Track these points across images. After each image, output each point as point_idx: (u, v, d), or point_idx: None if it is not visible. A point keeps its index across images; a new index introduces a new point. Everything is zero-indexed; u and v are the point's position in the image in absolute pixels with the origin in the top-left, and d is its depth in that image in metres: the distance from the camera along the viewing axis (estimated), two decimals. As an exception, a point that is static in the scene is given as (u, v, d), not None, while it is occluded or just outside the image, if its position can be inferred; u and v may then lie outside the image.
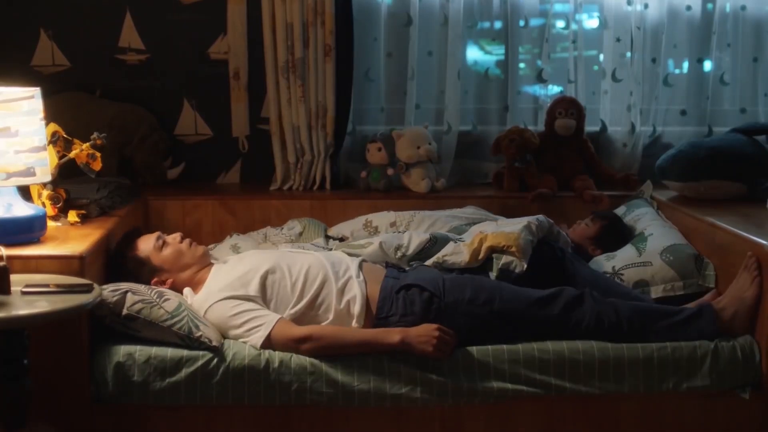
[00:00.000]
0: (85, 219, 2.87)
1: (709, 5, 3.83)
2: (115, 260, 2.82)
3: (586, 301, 2.70)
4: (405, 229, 3.22)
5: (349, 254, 2.95)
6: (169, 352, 2.54)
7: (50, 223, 2.74)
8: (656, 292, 3.02)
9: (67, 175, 2.97)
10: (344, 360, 2.56)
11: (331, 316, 2.68)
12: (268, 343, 2.57)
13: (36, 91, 2.57)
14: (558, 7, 3.83)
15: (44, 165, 2.59)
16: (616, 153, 3.87)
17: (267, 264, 2.75)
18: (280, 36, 3.54)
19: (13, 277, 2.33)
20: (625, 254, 3.17)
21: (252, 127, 3.78)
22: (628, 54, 3.79)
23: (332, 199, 3.58)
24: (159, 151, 3.68)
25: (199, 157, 3.79)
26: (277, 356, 2.56)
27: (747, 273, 2.71)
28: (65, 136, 2.83)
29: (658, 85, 3.85)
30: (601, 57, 3.89)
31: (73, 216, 2.84)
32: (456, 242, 2.99)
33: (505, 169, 3.71)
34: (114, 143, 3.43)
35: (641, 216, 3.39)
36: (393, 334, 2.57)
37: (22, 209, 2.60)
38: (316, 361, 2.55)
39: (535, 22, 3.84)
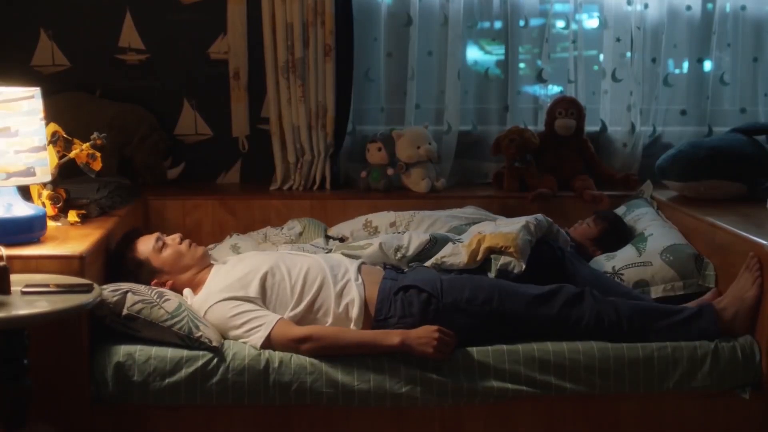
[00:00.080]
0: (85, 219, 2.87)
1: (709, 5, 3.83)
2: (114, 261, 2.81)
3: (586, 299, 2.70)
4: (405, 229, 3.22)
5: (349, 255, 2.95)
6: (169, 352, 2.54)
7: (50, 223, 2.74)
8: (656, 292, 3.01)
9: (67, 175, 2.97)
10: (344, 360, 2.57)
11: (329, 320, 2.68)
12: (268, 343, 2.57)
13: (36, 91, 2.57)
14: (558, 7, 3.83)
15: (44, 165, 2.59)
16: (616, 153, 3.87)
17: (267, 265, 2.75)
18: (280, 36, 3.54)
19: (13, 277, 2.32)
20: (625, 254, 3.17)
21: (252, 127, 3.78)
22: (628, 54, 3.79)
23: (332, 199, 3.58)
24: (159, 151, 3.68)
25: (199, 157, 3.79)
26: (277, 356, 2.56)
27: (748, 273, 2.71)
28: (65, 136, 2.82)
29: (658, 85, 3.85)
30: (601, 57, 3.89)
31: (73, 216, 2.84)
32: (454, 243, 2.98)
33: (505, 169, 3.71)
34: (114, 143, 3.43)
35: (641, 216, 3.39)
36: (393, 336, 2.57)
37: (22, 209, 2.60)
38: (316, 361, 2.55)
39: (535, 22, 3.84)
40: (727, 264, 2.90)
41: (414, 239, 3.00)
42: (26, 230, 2.58)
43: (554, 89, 3.90)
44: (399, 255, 2.96)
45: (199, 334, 2.55)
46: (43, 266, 2.49)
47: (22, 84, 2.57)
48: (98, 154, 2.88)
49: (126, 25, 3.69)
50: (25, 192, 2.74)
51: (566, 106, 3.74)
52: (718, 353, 2.64)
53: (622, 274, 3.06)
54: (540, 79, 3.86)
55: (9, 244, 2.46)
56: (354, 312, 2.67)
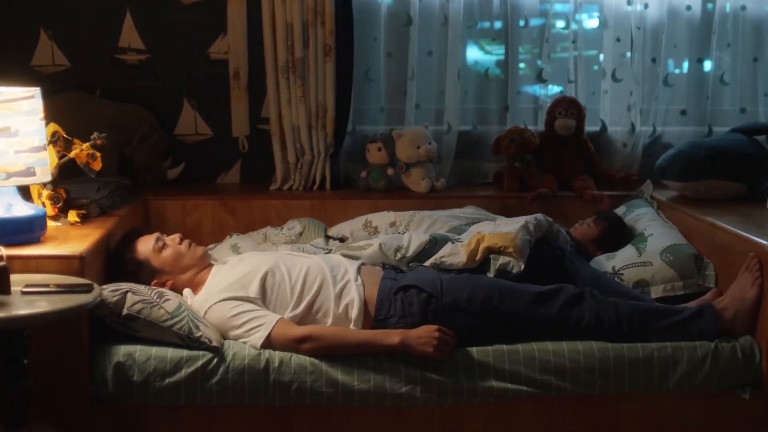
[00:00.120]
0: (85, 219, 2.87)
1: (709, 5, 3.83)
2: (114, 262, 2.81)
3: (586, 299, 2.70)
4: (405, 230, 3.22)
5: (349, 256, 2.95)
6: (169, 352, 2.54)
7: (50, 223, 2.74)
8: (656, 292, 3.02)
9: (67, 175, 2.97)
10: (344, 360, 2.57)
11: (329, 320, 2.68)
12: (268, 343, 2.57)
13: (36, 91, 2.57)
14: (558, 7, 3.83)
15: (44, 165, 2.59)
16: (616, 153, 3.87)
17: (267, 265, 2.75)
18: (280, 36, 3.54)
19: (13, 277, 2.32)
20: (625, 254, 3.17)
21: (252, 127, 3.78)
22: (628, 54, 3.79)
23: (332, 199, 3.58)
24: (159, 151, 3.68)
25: (199, 157, 3.79)
26: (277, 356, 2.56)
27: (748, 273, 2.71)
28: (65, 136, 2.82)
29: (658, 85, 3.85)
30: (601, 57, 3.89)
31: (73, 216, 2.84)
32: (454, 243, 2.98)
33: (505, 169, 3.71)
34: (114, 143, 3.43)
35: (641, 216, 3.39)
36: (393, 336, 2.57)
37: (22, 209, 2.60)
38: (316, 361, 2.55)
39: (535, 22, 3.84)
40: (727, 264, 2.90)
41: (414, 239, 3.00)
42: (26, 230, 2.58)
43: (554, 89, 3.90)
44: (399, 255, 2.96)
45: (199, 334, 2.55)
46: (43, 266, 2.49)
47: (22, 84, 2.57)
48: (98, 154, 2.88)
49: (126, 25, 3.69)
50: (25, 192, 2.74)
51: (566, 106, 3.74)
52: (718, 353, 2.64)
53: (622, 274, 3.06)
54: (540, 79, 3.86)
55: (9, 244, 2.46)
56: (353, 312, 2.67)
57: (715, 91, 3.90)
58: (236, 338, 2.62)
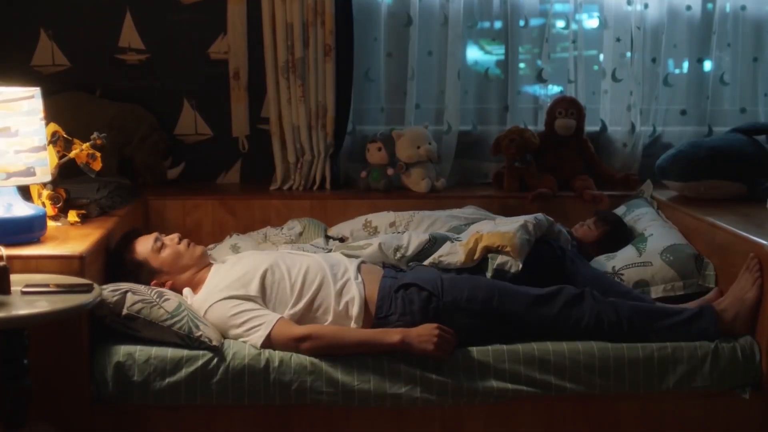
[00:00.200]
0: (85, 219, 2.87)
1: (709, 5, 3.83)
2: (113, 262, 2.81)
3: (586, 300, 2.70)
4: (404, 229, 3.22)
5: (348, 256, 2.95)
6: (169, 352, 2.54)
7: (50, 223, 2.74)
8: (656, 292, 3.01)
9: (67, 175, 2.97)
10: (344, 359, 2.57)
11: (329, 318, 2.68)
12: (269, 342, 2.57)
13: (36, 91, 2.57)
14: (558, 7, 3.83)
15: (44, 165, 2.59)
16: (616, 153, 3.87)
17: (266, 263, 2.75)
18: (280, 36, 3.54)
19: (13, 277, 2.32)
20: (625, 254, 3.17)
21: (252, 127, 3.78)
22: (628, 54, 3.79)
23: (332, 199, 3.58)
24: (159, 151, 3.68)
25: (199, 157, 3.79)
26: (277, 356, 2.56)
27: (749, 274, 2.71)
28: (65, 136, 2.82)
29: (658, 85, 3.85)
30: (601, 57, 3.89)
31: (73, 216, 2.84)
32: (452, 242, 2.98)
33: (505, 169, 3.71)
34: (114, 143, 3.43)
35: (641, 216, 3.39)
36: (393, 334, 2.57)
37: (22, 209, 2.60)
38: (316, 361, 2.55)
39: (535, 22, 3.84)
40: (727, 264, 2.90)
41: (413, 239, 3.00)
42: (26, 230, 2.58)
43: (554, 89, 3.90)
44: (398, 255, 2.96)
45: (199, 333, 2.55)
46: (43, 266, 2.49)
47: (22, 84, 2.57)
48: (98, 154, 2.88)
49: (126, 25, 3.69)
50: (25, 192, 2.74)
51: (566, 106, 3.74)
52: (718, 353, 2.64)
53: (622, 274, 3.06)
54: (540, 79, 3.86)
55: (9, 244, 2.46)
56: (354, 310, 2.67)
57: (715, 91, 3.90)
58: (236, 337, 2.62)
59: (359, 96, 3.78)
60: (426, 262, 2.93)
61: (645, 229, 3.29)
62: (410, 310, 2.67)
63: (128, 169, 3.64)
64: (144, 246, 2.82)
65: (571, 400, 2.64)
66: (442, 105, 3.81)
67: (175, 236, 2.88)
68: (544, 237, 3.02)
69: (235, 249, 3.18)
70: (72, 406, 2.53)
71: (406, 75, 3.76)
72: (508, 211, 3.39)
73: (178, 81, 3.74)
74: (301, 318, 2.67)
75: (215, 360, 2.53)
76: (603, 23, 3.84)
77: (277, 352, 2.57)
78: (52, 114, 2.82)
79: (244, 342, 2.59)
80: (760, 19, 3.88)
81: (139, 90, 3.72)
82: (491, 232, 2.93)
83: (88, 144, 2.86)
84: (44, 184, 2.78)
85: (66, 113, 3.24)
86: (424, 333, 2.55)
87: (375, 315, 2.69)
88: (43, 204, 2.79)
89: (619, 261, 3.13)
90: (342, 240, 3.30)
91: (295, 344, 2.57)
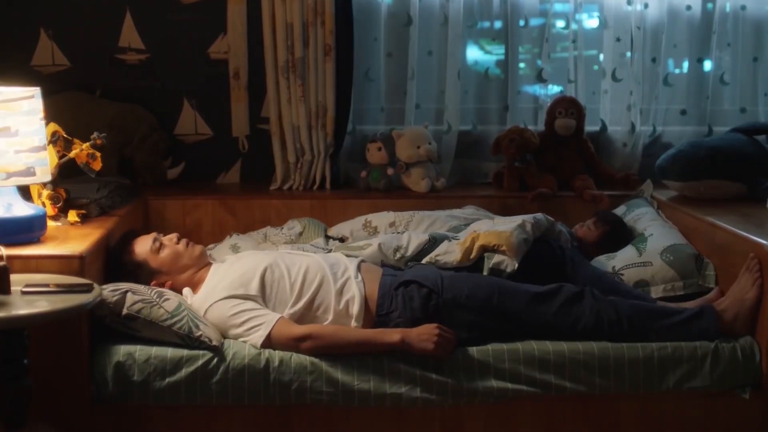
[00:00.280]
0: (85, 219, 2.87)
1: (709, 5, 3.83)
2: (113, 263, 2.81)
3: (586, 298, 2.70)
4: (404, 229, 3.22)
5: (348, 256, 2.95)
6: (169, 352, 2.54)
7: (50, 223, 2.74)
8: (656, 292, 3.01)
9: (67, 175, 2.97)
10: (344, 359, 2.57)
11: (330, 317, 2.68)
12: (269, 342, 2.57)
13: (36, 91, 2.57)
14: (558, 7, 3.83)
15: (44, 165, 2.59)
16: (616, 153, 3.87)
17: (266, 262, 2.75)
18: (280, 36, 3.54)
19: (13, 277, 2.33)
20: (625, 254, 3.17)
21: (252, 127, 3.78)
22: (628, 54, 3.79)
23: (332, 199, 3.58)
24: (159, 151, 3.68)
25: (199, 157, 3.79)
26: (277, 355, 2.56)
27: (749, 274, 2.71)
28: (65, 136, 2.83)
29: (658, 84, 3.85)
30: (601, 57, 3.89)
31: (73, 216, 2.84)
32: (450, 241, 2.98)
33: (505, 168, 3.71)
34: (114, 143, 3.43)
35: (641, 216, 3.39)
36: (393, 334, 2.57)
37: (22, 209, 2.60)
38: (316, 361, 2.55)
39: (535, 21, 3.84)
40: (727, 264, 2.90)
41: (413, 239, 3.00)
42: (26, 230, 2.58)
43: (554, 89, 3.90)
44: (398, 255, 2.96)
45: (199, 333, 2.55)
46: (43, 266, 2.49)
47: (22, 84, 2.57)
48: (98, 154, 2.88)
49: (126, 25, 3.69)
50: (25, 192, 2.74)
51: (566, 105, 3.74)
52: (718, 353, 2.64)
53: (622, 274, 3.06)
54: (540, 78, 3.86)
55: (9, 244, 2.46)
56: (354, 309, 2.68)
57: (715, 90, 3.90)
58: (236, 337, 2.62)
59: (359, 96, 3.78)
60: (423, 261, 2.93)
61: (645, 229, 3.29)
62: (411, 307, 2.67)
63: (128, 169, 3.64)
64: (142, 247, 2.82)
65: (571, 400, 2.64)
66: (442, 105, 3.81)
67: (173, 236, 2.88)
68: (544, 237, 3.02)
69: (235, 249, 3.18)
70: (72, 406, 2.53)
71: (406, 75, 3.76)
72: (508, 211, 3.39)
73: (178, 81, 3.74)
74: (301, 317, 2.67)
75: (215, 360, 2.53)
76: (603, 23, 3.84)
77: (277, 351, 2.57)
78: (52, 114, 2.82)
79: (244, 342, 2.59)
80: (760, 19, 3.88)
81: (139, 90, 3.72)
82: (488, 231, 2.93)
83: (88, 144, 2.86)
84: (44, 184, 2.78)
85: (66, 113, 3.24)
86: (424, 332, 2.55)
87: (375, 313, 2.69)
88: (43, 204, 2.79)
89: (619, 261, 3.13)
90: (342, 240, 3.30)
91: (295, 344, 2.57)
